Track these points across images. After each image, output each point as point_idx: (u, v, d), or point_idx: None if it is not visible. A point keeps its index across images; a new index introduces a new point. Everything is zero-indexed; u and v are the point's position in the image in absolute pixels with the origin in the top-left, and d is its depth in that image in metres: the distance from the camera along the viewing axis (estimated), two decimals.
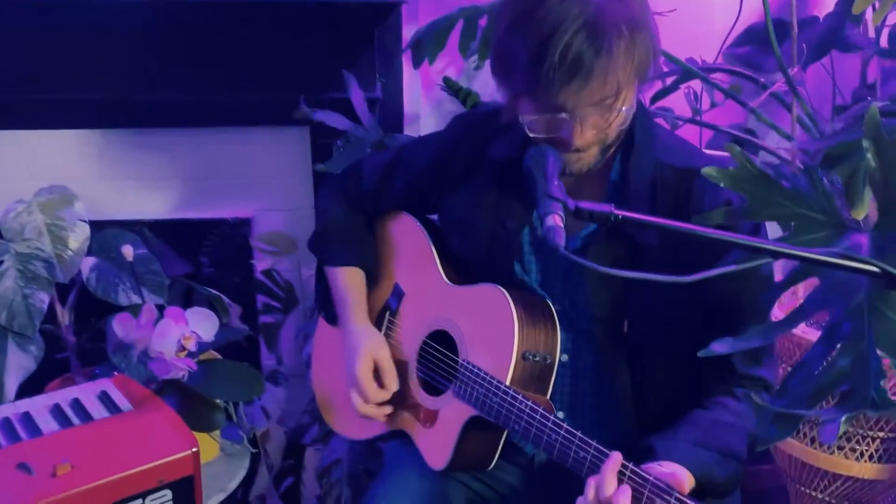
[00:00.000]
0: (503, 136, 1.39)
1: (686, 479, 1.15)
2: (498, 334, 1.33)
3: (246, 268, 2.34)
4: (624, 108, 1.20)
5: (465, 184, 1.45)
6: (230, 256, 2.32)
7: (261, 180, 2.32)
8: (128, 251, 1.56)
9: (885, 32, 1.89)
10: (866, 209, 1.16)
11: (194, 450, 1.41)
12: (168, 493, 1.39)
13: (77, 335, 1.85)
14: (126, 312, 1.55)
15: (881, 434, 1.77)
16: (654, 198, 1.29)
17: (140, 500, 1.36)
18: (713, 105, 2.07)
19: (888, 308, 1.07)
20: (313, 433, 2.08)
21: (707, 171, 1.21)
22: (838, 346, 1.10)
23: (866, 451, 1.77)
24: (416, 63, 1.93)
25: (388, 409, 1.51)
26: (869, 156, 1.10)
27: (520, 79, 1.19)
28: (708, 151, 1.50)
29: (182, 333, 1.50)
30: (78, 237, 1.73)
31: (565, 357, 1.39)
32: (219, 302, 1.87)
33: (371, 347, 1.51)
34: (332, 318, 1.66)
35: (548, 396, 1.35)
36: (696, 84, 2.13)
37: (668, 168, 1.29)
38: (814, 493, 1.88)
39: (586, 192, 1.32)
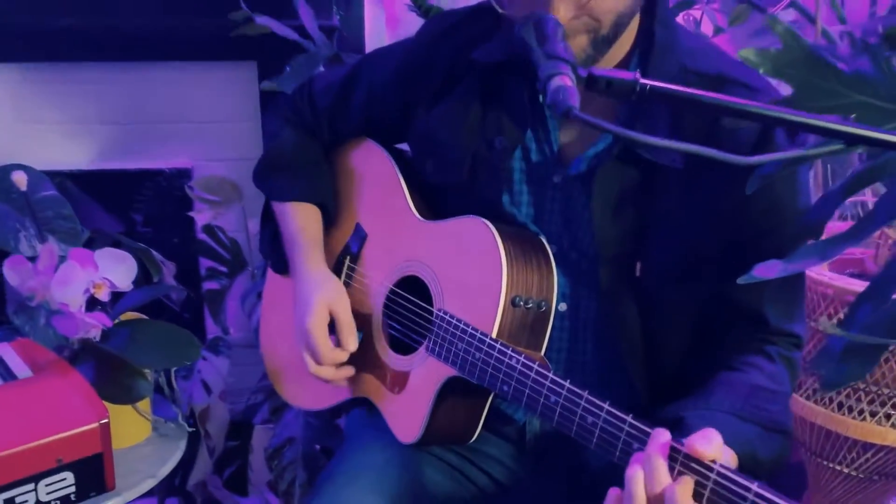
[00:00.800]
0: (487, 38, 1.19)
1: (732, 462, 0.90)
2: (481, 276, 1.14)
3: (186, 226, 2.11)
4: None
5: (440, 97, 1.23)
6: (167, 213, 2.10)
7: (202, 125, 2.09)
8: (19, 178, 1.26)
9: None
10: None
11: (103, 421, 1.15)
12: (69, 476, 1.13)
13: None
14: (19, 255, 1.25)
15: None
16: (678, 109, 1.09)
17: (31, 485, 1.08)
18: (717, 31, 1.85)
19: None
20: (264, 413, 1.82)
21: (744, 53, 0.97)
22: None
23: None
24: None
25: (347, 371, 1.27)
26: None
27: None
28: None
29: (90, 280, 1.21)
30: None
31: (563, 306, 1.19)
32: (147, 256, 1.58)
33: (326, 297, 1.27)
34: (282, 267, 1.43)
35: (542, 353, 1.14)
36: (695, 12, 1.95)
37: (694, 75, 1.09)
38: (838, 468, 1.65)
39: (593, 106, 1.10)
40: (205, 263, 2.09)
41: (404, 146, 1.39)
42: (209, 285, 2.06)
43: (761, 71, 0.99)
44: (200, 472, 1.78)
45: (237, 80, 2.03)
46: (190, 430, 1.53)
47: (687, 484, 0.84)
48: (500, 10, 1.06)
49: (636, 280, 1.13)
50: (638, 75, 0.83)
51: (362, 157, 1.39)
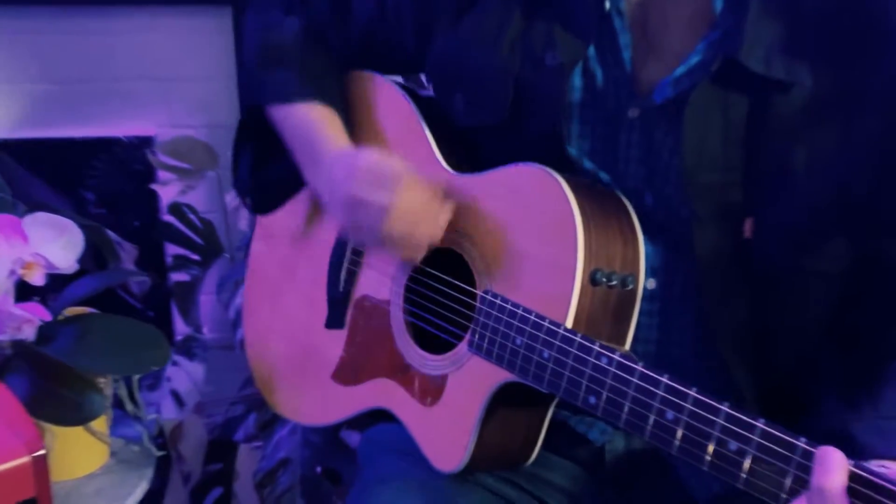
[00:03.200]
0: None
1: None
2: (547, 244, 0.94)
3: (148, 206, 1.89)
4: None
5: (471, 5, 1.04)
6: (125, 190, 1.89)
7: (166, 83, 1.90)
8: None
9: None
10: None
11: (37, 454, 0.89)
12: None
13: None
14: None
15: None
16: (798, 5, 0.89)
17: None
18: None
19: None
20: (248, 427, 1.62)
21: None
22: None
23: None
24: None
25: (447, 211, 1.02)
26: None
27: None
28: None
29: (18, 258, 0.91)
30: None
31: (652, 283, 0.97)
32: (99, 235, 1.32)
33: (377, 153, 1.05)
34: (270, 204, 1.24)
35: (627, 345, 0.94)
36: None
37: None
38: None
39: (676, 9, 0.93)
40: (171, 250, 1.88)
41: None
42: (177, 276, 1.85)
43: None
44: None
45: (207, 29, 1.85)
46: (159, 453, 1.32)
47: None
48: None
49: (746, 244, 0.92)
50: None
51: (371, 97, 1.17)
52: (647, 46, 0.95)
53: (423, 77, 1.22)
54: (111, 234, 1.46)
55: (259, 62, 1.17)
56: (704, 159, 0.91)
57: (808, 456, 0.70)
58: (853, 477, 0.68)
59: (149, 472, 1.33)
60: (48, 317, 1.01)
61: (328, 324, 1.17)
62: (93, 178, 1.88)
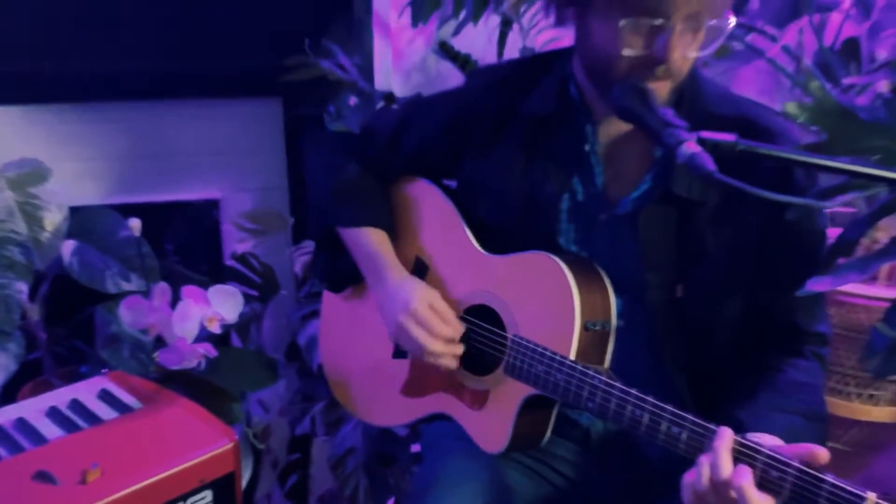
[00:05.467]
0: (535, 89, 1.29)
1: None
2: (555, 305, 1.24)
3: (215, 254, 2.19)
4: (715, 25, 1.11)
5: (491, 145, 1.33)
6: (197, 242, 2.17)
7: (229, 157, 2.17)
8: (135, 224, 1.36)
9: None
10: None
11: (234, 441, 1.25)
12: (209, 494, 1.24)
13: (48, 332, 1.62)
14: (136, 295, 1.36)
15: None
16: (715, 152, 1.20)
17: None
18: (703, 64, 2.05)
19: None
20: (318, 425, 1.91)
21: (788, 107, 1.18)
22: None
23: (883, 395, 1.80)
24: (416, 22, 1.82)
25: (459, 348, 1.34)
26: None
27: None
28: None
29: (204, 315, 1.32)
30: (55, 217, 1.50)
31: (621, 322, 1.29)
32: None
33: (421, 290, 1.35)
34: (342, 286, 1.52)
35: (607, 364, 1.26)
36: None
37: (719, 119, 1.19)
38: (830, 445, 1.89)
39: (632, 151, 1.25)
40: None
41: (451, 182, 1.48)
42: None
43: (799, 121, 1.20)
44: (265, 485, 1.85)
45: (262, 115, 2.13)
46: (260, 446, 1.66)
47: (746, 473, 0.98)
48: (623, 52, 1.11)
49: (679, 300, 1.25)
50: (736, 137, 1.00)
51: (416, 195, 1.47)
52: (613, 172, 1.27)
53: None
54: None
55: (332, 198, 1.47)
56: (652, 248, 1.23)
57: (712, 431, 1.03)
58: (737, 443, 1.00)
59: (249, 463, 1.64)
60: (215, 353, 1.40)
61: (395, 355, 1.44)
62: (171, 233, 2.12)
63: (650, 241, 1.23)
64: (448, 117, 1.38)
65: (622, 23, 1.09)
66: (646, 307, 1.27)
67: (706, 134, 1.00)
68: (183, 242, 2.15)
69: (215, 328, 1.35)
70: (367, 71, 2.20)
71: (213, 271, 2.16)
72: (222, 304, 1.35)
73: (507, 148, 1.31)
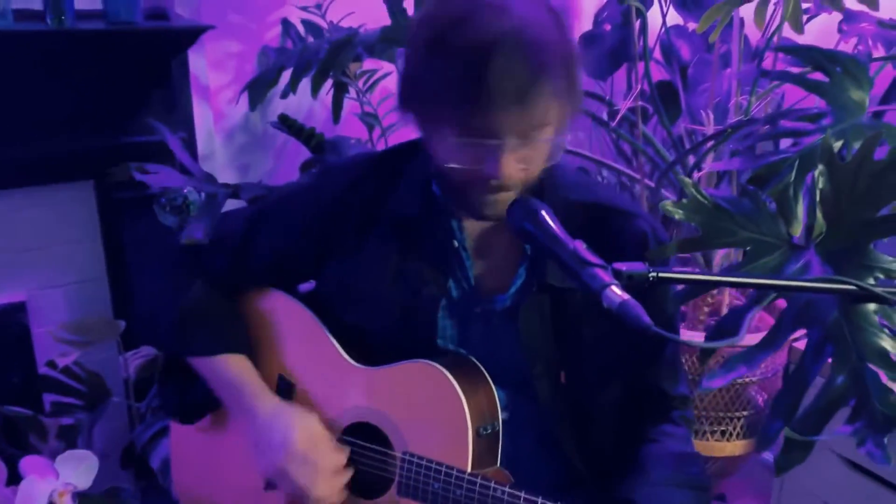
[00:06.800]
0: (398, 188, 1.24)
1: None
2: (444, 417, 1.19)
3: (27, 364, 1.93)
4: (555, 140, 1.11)
5: (359, 247, 1.26)
6: (3, 353, 1.90)
7: (34, 252, 1.93)
8: None
9: None
10: (801, 225, 1.22)
11: None
12: None
13: None
14: None
15: (744, 413, 1.92)
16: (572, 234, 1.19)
17: None
18: None
19: (865, 322, 1.13)
20: None
21: (664, 205, 1.22)
22: (828, 362, 1.14)
23: (733, 431, 1.92)
24: (255, 104, 1.69)
25: (346, 476, 1.25)
26: (821, 179, 1.17)
27: (444, 104, 1.07)
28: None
29: (54, 489, 1.12)
30: None
31: (505, 414, 1.28)
32: None
33: (303, 426, 1.25)
34: (196, 417, 1.39)
35: (498, 462, 1.23)
36: None
37: (578, 206, 1.21)
38: None
39: (498, 244, 1.23)
40: (49, 398, 1.89)
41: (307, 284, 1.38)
42: (63, 420, 1.85)
43: (676, 217, 1.24)
44: None
45: (72, 201, 1.91)
46: None
47: None
48: (447, 166, 1.09)
49: (563, 386, 1.26)
50: (647, 266, 0.97)
51: (271, 307, 1.36)
52: (485, 266, 1.24)
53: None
54: None
55: (179, 323, 1.34)
56: (533, 339, 1.22)
57: None
58: None
59: None
60: None
61: (268, 487, 1.31)
62: None
63: (530, 332, 1.22)
64: (307, 219, 1.29)
65: (452, 140, 1.07)
66: (530, 398, 1.26)
67: (619, 265, 0.98)
68: None
69: (67, 501, 1.14)
70: (191, 142, 2.04)
71: (26, 385, 1.92)
72: (73, 473, 1.14)
73: (377, 250, 1.25)
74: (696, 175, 1.70)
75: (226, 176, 2.22)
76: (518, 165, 1.09)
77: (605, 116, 2.06)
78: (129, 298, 1.94)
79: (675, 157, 1.79)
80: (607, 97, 2.28)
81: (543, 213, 1.06)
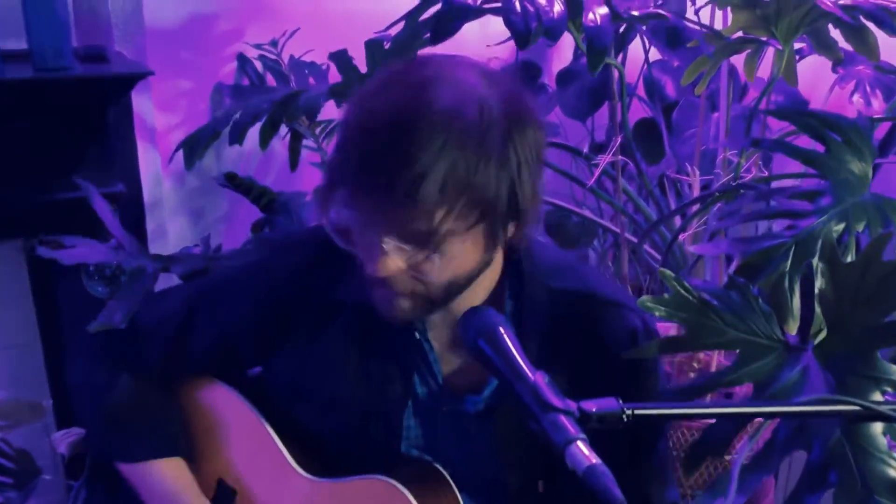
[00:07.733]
0: (350, 270, 1.04)
1: None
2: None
3: None
4: (452, 260, 0.94)
5: (313, 339, 1.12)
6: None
7: None
8: None
9: None
10: (797, 322, 1.09)
11: None
12: None
13: None
14: None
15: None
16: (553, 334, 1.08)
17: None
18: None
19: (872, 446, 1.00)
20: None
21: (643, 301, 1.09)
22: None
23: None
24: (191, 163, 1.54)
25: None
26: (822, 278, 1.05)
27: (335, 182, 0.95)
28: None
29: None
30: None
31: None
32: None
33: None
34: None
35: None
36: None
37: (561, 294, 1.08)
38: None
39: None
40: None
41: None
42: None
43: (656, 315, 1.10)
44: None
45: (1, 262, 1.76)
46: None
47: None
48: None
49: (542, 495, 1.15)
50: (619, 402, 0.81)
51: (211, 402, 1.23)
52: (456, 362, 1.11)
53: None
54: None
55: (102, 425, 1.21)
56: (509, 446, 1.11)
57: None
58: None
59: None
60: None
61: None
62: None
63: (507, 439, 1.10)
64: (254, 305, 1.14)
65: (344, 224, 0.97)
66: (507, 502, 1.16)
67: (588, 405, 0.80)
68: None
69: None
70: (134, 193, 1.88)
71: None
72: None
73: (335, 344, 1.11)
74: (682, 236, 1.56)
75: (176, 225, 2.07)
76: (408, 272, 0.95)
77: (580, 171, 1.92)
78: (65, 366, 1.77)
79: (658, 216, 1.65)
80: (588, 136, 2.14)
81: (502, 330, 0.89)
